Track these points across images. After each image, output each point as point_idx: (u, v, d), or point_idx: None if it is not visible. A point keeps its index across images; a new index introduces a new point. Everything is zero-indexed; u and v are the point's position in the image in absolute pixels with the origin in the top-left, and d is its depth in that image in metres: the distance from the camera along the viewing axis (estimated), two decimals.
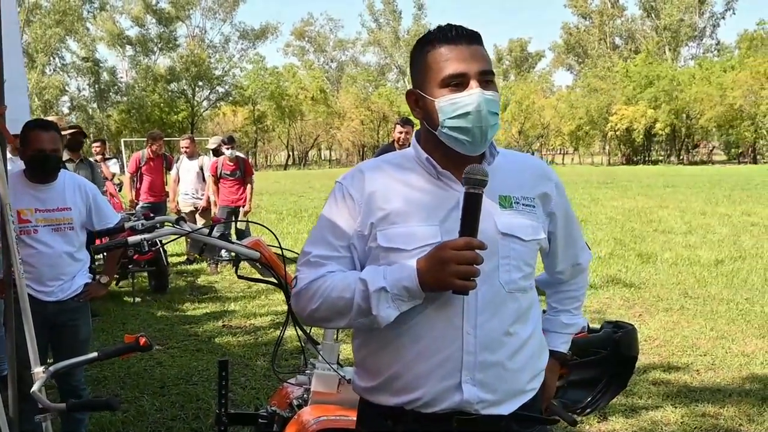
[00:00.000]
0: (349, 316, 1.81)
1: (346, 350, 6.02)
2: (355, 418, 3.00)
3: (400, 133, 7.79)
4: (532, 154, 76.51)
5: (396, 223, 1.83)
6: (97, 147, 10.12)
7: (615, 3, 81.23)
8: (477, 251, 1.70)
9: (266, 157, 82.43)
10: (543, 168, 2.05)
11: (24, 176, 3.91)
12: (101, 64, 68.37)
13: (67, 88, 66.22)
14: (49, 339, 3.96)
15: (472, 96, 1.77)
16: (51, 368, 2.60)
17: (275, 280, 3.44)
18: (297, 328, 3.18)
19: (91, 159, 8.85)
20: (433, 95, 1.82)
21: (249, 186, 10.38)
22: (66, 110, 66.47)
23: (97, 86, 67.78)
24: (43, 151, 3.78)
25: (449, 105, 1.78)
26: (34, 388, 2.53)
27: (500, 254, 1.83)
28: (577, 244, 2.16)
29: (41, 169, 3.87)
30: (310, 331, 3.28)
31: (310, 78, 78.37)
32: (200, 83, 70.37)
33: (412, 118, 4.22)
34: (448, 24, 1.86)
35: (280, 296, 6.16)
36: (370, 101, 77.57)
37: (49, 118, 6.96)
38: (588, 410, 3.13)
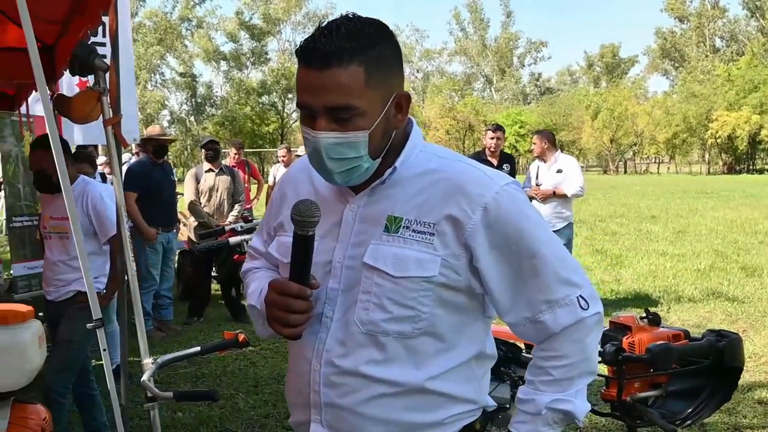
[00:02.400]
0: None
1: None
2: None
3: (492, 138, 7.72)
4: (625, 163, 74.04)
5: (287, 231, 1.64)
6: (234, 152, 10.46)
7: (716, 4, 78.16)
8: (304, 297, 1.51)
9: None
10: (467, 183, 1.55)
11: None
12: (198, 79, 71.09)
13: (166, 102, 69.10)
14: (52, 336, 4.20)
15: (312, 139, 1.47)
16: (159, 360, 2.69)
17: None
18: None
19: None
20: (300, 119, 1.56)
21: None
22: (166, 123, 69.21)
23: (194, 100, 70.47)
24: (44, 170, 4.00)
25: (303, 137, 1.52)
26: (144, 378, 2.64)
27: (361, 288, 1.54)
28: (538, 294, 1.57)
29: (43, 187, 4.17)
30: None
31: None
32: (290, 95, 71.70)
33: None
34: (320, 30, 1.47)
35: None
36: (455, 111, 77.27)
37: (156, 129, 7.32)
38: (688, 422, 3.02)
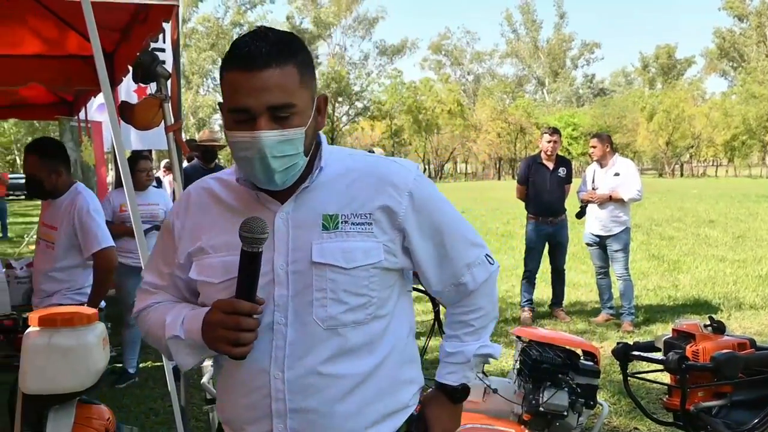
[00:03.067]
0: (169, 353, 1.69)
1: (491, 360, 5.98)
2: (501, 428, 3.00)
3: (548, 142, 7.61)
4: (681, 166, 72.51)
5: (210, 253, 1.64)
6: None
7: None
8: (256, 315, 1.53)
9: None
10: (389, 174, 1.68)
11: None
12: None
13: (218, 106, 70.23)
14: None
15: (254, 140, 1.49)
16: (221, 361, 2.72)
17: (423, 288, 3.47)
18: (442, 335, 3.18)
19: None
20: (225, 124, 1.56)
21: None
22: (218, 127, 70.29)
23: None
24: (35, 176, 3.94)
25: (235, 143, 1.53)
26: (203, 380, 2.68)
27: (314, 287, 1.58)
28: (459, 260, 1.77)
29: (34, 193, 4.04)
30: None
31: (446, 91, 78.69)
32: (340, 99, 72.35)
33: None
34: (251, 35, 1.53)
35: (426, 305, 6.22)
36: (507, 113, 76.82)
37: (207, 133, 7.41)
38: None
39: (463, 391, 1.87)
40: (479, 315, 1.85)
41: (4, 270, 8.42)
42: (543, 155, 7.67)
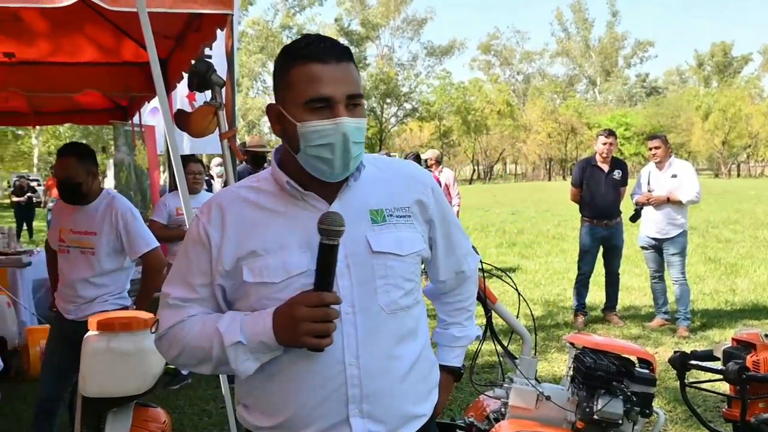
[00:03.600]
0: (211, 365, 1.69)
1: (543, 366, 5.92)
2: None
3: (604, 144, 7.47)
4: (738, 166, 70.87)
5: (261, 255, 1.67)
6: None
7: None
8: (332, 306, 1.58)
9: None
10: (415, 173, 1.89)
11: None
12: None
13: (267, 109, 70.90)
14: (71, 354, 3.83)
15: (338, 125, 1.59)
16: None
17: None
18: (495, 341, 3.17)
19: None
20: (294, 117, 1.62)
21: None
22: (267, 130, 71.09)
23: None
24: (58, 179, 3.87)
25: (312, 132, 1.60)
26: None
27: (376, 275, 1.69)
28: (460, 250, 2.02)
29: (60, 194, 3.95)
30: (507, 345, 3.26)
31: (496, 91, 78.26)
32: (388, 100, 72.50)
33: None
34: (317, 36, 1.66)
35: (478, 309, 6.17)
36: (557, 113, 76.05)
37: (254, 139, 7.47)
38: None
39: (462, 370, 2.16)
40: (472, 300, 2.16)
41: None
42: (598, 157, 7.55)
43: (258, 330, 1.61)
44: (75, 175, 3.80)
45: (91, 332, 3.28)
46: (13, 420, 4.98)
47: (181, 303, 1.73)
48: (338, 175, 1.66)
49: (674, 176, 7.19)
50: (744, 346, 2.88)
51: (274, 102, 1.72)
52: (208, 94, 3.40)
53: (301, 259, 1.65)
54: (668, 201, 7.05)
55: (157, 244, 4.01)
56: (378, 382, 1.69)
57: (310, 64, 1.59)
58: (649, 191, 7.27)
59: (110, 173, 20.29)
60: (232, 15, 3.33)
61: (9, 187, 39.34)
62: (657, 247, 7.26)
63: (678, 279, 7.18)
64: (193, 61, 3.89)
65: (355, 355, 1.67)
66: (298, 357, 1.65)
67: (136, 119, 8.00)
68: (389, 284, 1.70)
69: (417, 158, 10.32)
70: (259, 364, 1.66)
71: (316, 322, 1.56)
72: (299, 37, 1.71)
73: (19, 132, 31.39)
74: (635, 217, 7.47)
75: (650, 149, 7.36)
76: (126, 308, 3.99)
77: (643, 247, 7.48)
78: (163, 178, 11.06)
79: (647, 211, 7.30)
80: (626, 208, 7.53)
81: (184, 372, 5.87)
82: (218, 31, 3.79)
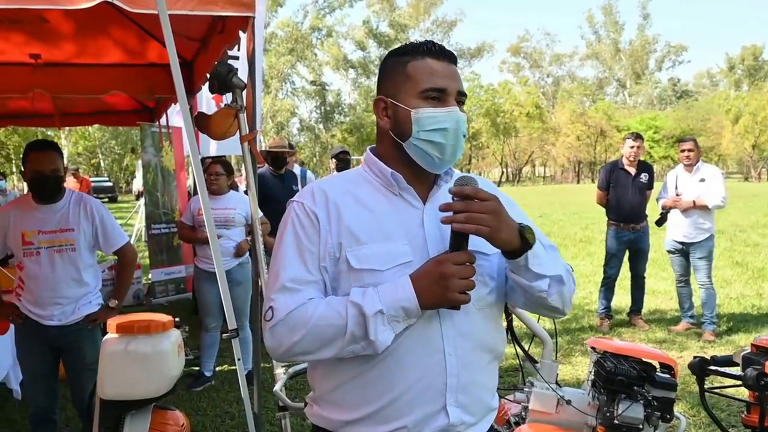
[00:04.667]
0: (338, 345, 1.67)
1: (567, 369, 5.88)
2: None
3: (632, 148, 7.42)
4: (764, 168, 69.74)
5: (366, 243, 1.73)
6: None
7: None
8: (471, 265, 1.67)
9: (480, 173, 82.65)
10: (487, 183, 1.91)
11: (31, 198, 3.86)
12: (327, 87, 72.83)
13: (296, 110, 71.24)
14: (56, 360, 3.97)
15: (452, 113, 1.74)
16: (291, 370, 2.76)
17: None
18: (515, 345, 3.16)
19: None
20: (409, 105, 1.76)
21: None
22: (295, 131, 71.58)
23: (323, 108, 72.26)
24: (41, 173, 3.71)
25: (427, 118, 1.74)
26: (276, 387, 2.71)
27: None
28: None
29: (42, 189, 3.78)
30: (528, 349, 3.25)
31: (525, 94, 77.82)
32: None
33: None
34: (429, 40, 1.83)
35: None
36: (587, 116, 75.44)
37: (275, 140, 7.46)
38: None
39: None
40: None
41: None
42: (625, 161, 7.49)
43: (399, 296, 1.65)
44: (59, 168, 3.79)
45: (110, 335, 3.31)
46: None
47: (297, 286, 1.72)
48: (445, 163, 1.78)
49: (702, 180, 7.11)
50: (763, 352, 2.84)
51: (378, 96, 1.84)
52: (229, 96, 3.43)
53: (404, 249, 1.73)
54: (695, 205, 6.97)
55: (128, 238, 4.13)
56: (472, 375, 1.77)
57: (428, 59, 1.77)
58: (676, 195, 7.19)
59: (138, 174, 20.49)
60: (254, 17, 3.34)
61: None
62: (684, 251, 7.18)
63: (704, 283, 7.09)
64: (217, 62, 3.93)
65: (453, 346, 1.73)
66: (402, 343, 1.70)
67: (163, 120, 8.08)
68: (478, 281, 1.72)
69: None
70: (394, 334, 1.67)
71: (462, 278, 1.62)
72: (407, 42, 1.87)
73: (49, 132, 31.75)
74: (661, 221, 7.39)
75: (683, 151, 7.27)
76: (102, 305, 4.03)
77: (669, 251, 7.41)
78: (190, 179, 11.17)
79: (674, 215, 7.22)
80: (652, 211, 7.46)
81: (208, 373, 5.91)
82: (241, 34, 3.81)
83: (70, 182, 17.69)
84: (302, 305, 1.70)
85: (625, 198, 7.41)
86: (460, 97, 1.78)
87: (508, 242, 1.65)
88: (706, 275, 7.09)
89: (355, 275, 1.71)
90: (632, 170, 7.44)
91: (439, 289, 1.63)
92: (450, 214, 1.63)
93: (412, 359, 1.71)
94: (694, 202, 6.99)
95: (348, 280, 1.72)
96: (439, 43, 1.81)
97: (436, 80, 1.75)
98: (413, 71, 1.76)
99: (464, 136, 1.78)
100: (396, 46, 1.88)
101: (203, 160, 7.81)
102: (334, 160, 8.27)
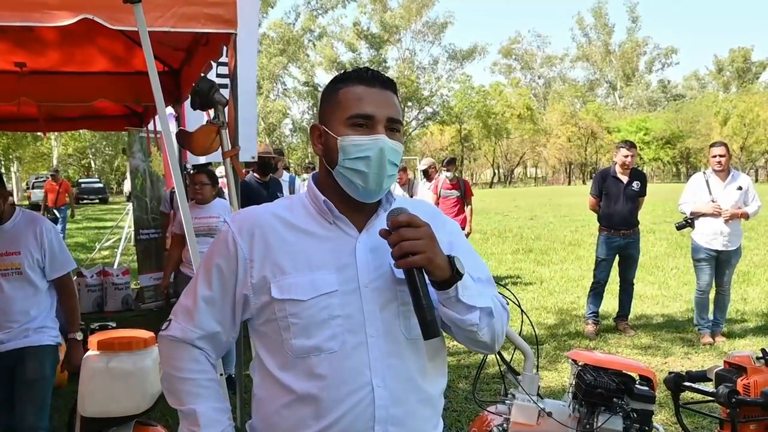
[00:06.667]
0: (167, 391, 1.83)
1: (553, 376, 5.91)
2: None
3: (626, 156, 7.41)
4: (756, 171, 69.96)
5: (290, 273, 1.71)
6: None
7: None
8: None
9: (472, 175, 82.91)
10: (440, 214, 1.95)
11: None
12: (319, 88, 72.75)
13: (288, 111, 71.17)
14: (10, 380, 3.67)
15: (377, 141, 1.69)
16: None
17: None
18: (498, 356, 3.18)
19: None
20: (337, 133, 1.72)
21: (469, 208, 10.28)
22: (288, 132, 71.53)
23: (315, 109, 72.07)
24: None
25: (351, 146, 1.69)
26: None
27: (399, 301, 1.72)
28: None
29: None
30: (511, 361, 3.28)
31: (516, 95, 77.94)
32: (409, 104, 72.37)
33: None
34: (366, 67, 1.82)
35: None
36: (577, 117, 75.66)
37: (261, 146, 7.44)
38: None
39: None
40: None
41: (75, 278, 8.79)
42: (618, 168, 7.51)
43: None
44: (3, 191, 3.62)
45: (91, 352, 3.31)
46: None
47: (194, 308, 1.79)
48: (371, 193, 1.73)
49: (740, 188, 7.06)
50: (735, 369, 2.88)
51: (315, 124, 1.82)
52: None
53: (329, 279, 1.69)
54: (739, 216, 7.00)
55: (75, 264, 3.91)
56: (404, 405, 1.72)
57: (357, 86, 1.73)
58: (712, 201, 7.07)
59: (129, 176, 20.47)
60: (236, 34, 3.35)
61: (27, 188, 39.76)
62: (716, 259, 7.14)
63: (727, 288, 7.23)
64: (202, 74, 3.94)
65: (382, 377, 1.69)
66: (329, 376, 1.68)
67: (151, 126, 8.08)
68: (410, 310, 1.69)
69: (452, 162, 10.44)
70: None
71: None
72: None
73: (38, 133, 31.64)
74: (684, 226, 7.34)
75: (714, 156, 7.12)
76: (69, 342, 3.78)
77: (700, 259, 7.22)
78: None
79: (708, 223, 7.07)
80: (643, 217, 7.43)
81: None
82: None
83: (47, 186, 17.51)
84: (184, 346, 1.80)
85: (617, 205, 7.43)
86: (392, 125, 1.73)
87: (441, 268, 1.63)
88: (729, 280, 7.22)
89: (278, 305, 1.70)
90: (624, 178, 7.46)
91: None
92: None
93: (338, 390, 1.69)
94: (747, 213, 7.00)
95: (272, 310, 1.72)
96: (374, 69, 1.79)
97: (363, 107, 1.71)
98: (343, 98, 1.74)
99: (394, 164, 1.73)
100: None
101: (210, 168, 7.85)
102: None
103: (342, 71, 1.83)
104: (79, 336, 3.76)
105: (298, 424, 1.71)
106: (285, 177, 8.74)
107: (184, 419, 1.76)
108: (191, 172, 6.55)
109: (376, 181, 1.71)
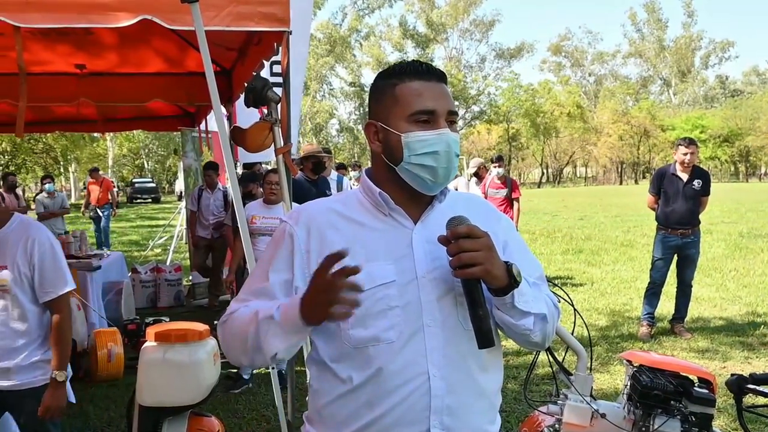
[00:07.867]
0: (245, 349, 1.71)
1: (606, 378, 5.81)
2: None
3: (685, 154, 7.23)
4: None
5: (347, 264, 1.64)
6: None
7: None
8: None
9: (520, 174, 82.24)
10: (490, 206, 2.00)
11: None
12: (366, 88, 72.99)
13: (335, 111, 71.56)
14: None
15: (442, 136, 1.71)
16: None
17: None
18: (549, 355, 3.15)
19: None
20: (398, 129, 1.73)
21: (516, 206, 10.19)
22: (334, 132, 71.93)
23: (362, 109, 72.45)
24: None
25: (418, 141, 1.71)
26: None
27: (456, 291, 1.72)
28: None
29: None
30: (563, 361, 3.23)
31: (566, 93, 77.07)
32: (456, 103, 71.88)
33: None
34: (417, 60, 1.82)
35: None
36: (629, 115, 74.39)
37: (310, 147, 7.50)
38: None
39: None
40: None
41: (129, 274, 8.99)
42: (678, 166, 7.32)
43: (290, 306, 1.64)
44: None
45: (149, 343, 3.38)
46: (82, 420, 5.15)
47: (249, 297, 1.79)
48: (438, 185, 1.75)
49: None
50: None
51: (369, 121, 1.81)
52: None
53: (386, 271, 1.71)
54: None
55: (74, 285, 3.25)
56: (459, 397, 1.72)
57: (414, 81, 1.73)
58: None
59: (181, 176, 20.84)
60: (289, 32, 3.38)
61: (84, 189, 40.77)
62: None
63: None
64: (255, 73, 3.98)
65: (438, 367, 1.70)
66: (384, 365, 1.69)
67: (203, 126, 8.21)
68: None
69: (500, 158, 10.47)
70: (287, 345, 1.67)
71: (333, 293, 1.54)
72: (396, 62, 1.84)
73: (95, 134, 32.45)
74: None
75: None
76: (50, 382, 3.07)
77: None
78: (228, 183, 11.31)
79: None
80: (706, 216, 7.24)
81: (246, 376, 5.98)
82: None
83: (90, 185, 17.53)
84: (237, 310, 1.77)
85: (675, 203, 7.27)
86: (451, 117, 1.75)
87: (499, 278, 1.63)
88: None
89: None
90: (684, 176, 7.27)
91: (315, 303, 1.58)
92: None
93: (394, 379, 1.70)
94: None
95: None
96: (424, 61, 1.80)
97: (425, 102, 1.72)
98: (401, 94, 1.74)
99: (457, 156, 1.75)
100: (390, 65, 1.83)
101: (256, 167, 7.93)
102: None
103: (392, 65, 1.81)
104: (62, 376, 3.06)
105: (353, 414, 1.73)
106: (333, 176, 8.81)
107: (262, 324, 1.67)
108: (263, 171, 6.65)
109: (444, 174, 1.73)
